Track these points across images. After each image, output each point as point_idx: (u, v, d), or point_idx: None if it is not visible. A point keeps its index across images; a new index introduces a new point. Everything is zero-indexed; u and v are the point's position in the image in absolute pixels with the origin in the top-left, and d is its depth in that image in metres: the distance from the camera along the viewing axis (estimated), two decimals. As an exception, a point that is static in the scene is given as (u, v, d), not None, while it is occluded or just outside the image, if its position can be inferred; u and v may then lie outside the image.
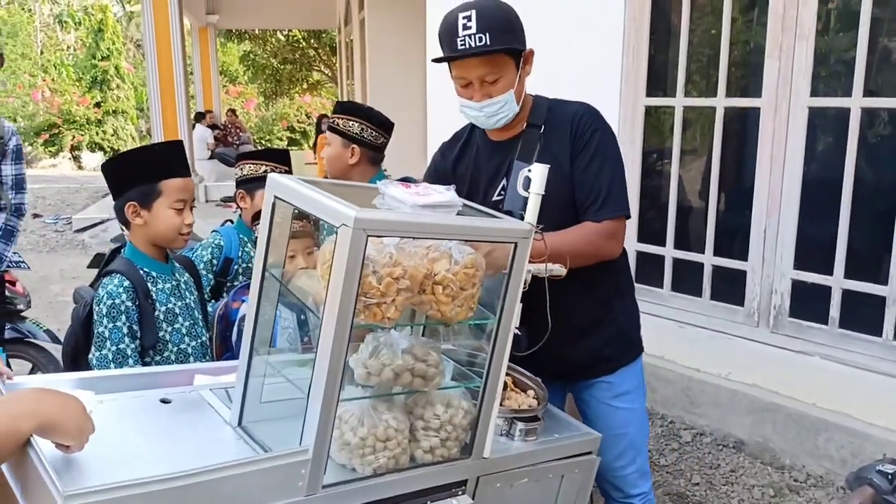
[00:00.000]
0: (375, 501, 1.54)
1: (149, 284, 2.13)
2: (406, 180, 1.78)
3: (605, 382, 2.27)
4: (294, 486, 1.40)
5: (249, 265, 2.85)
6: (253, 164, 2.94)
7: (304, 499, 1.42)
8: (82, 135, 20.42)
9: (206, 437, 1.56)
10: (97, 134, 20.57)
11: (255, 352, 1.64)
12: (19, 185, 3.33)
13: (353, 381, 1.58)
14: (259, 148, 17.80)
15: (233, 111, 18.34)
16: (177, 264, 2.29)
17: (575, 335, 2.17)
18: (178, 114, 10.66)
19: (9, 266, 3.46)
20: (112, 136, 20.87)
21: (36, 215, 11.54)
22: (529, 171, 1.68)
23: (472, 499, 1.72)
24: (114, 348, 2.02)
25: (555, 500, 1.91)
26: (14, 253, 3.46)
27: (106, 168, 2.16)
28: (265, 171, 2.86)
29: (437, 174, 2.25)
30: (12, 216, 3.31)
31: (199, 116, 15.01)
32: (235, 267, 2.86)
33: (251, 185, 2.90)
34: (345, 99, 14.05)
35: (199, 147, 13.29)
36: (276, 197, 1.58)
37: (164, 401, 1.66)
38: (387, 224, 1.43)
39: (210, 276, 2.78)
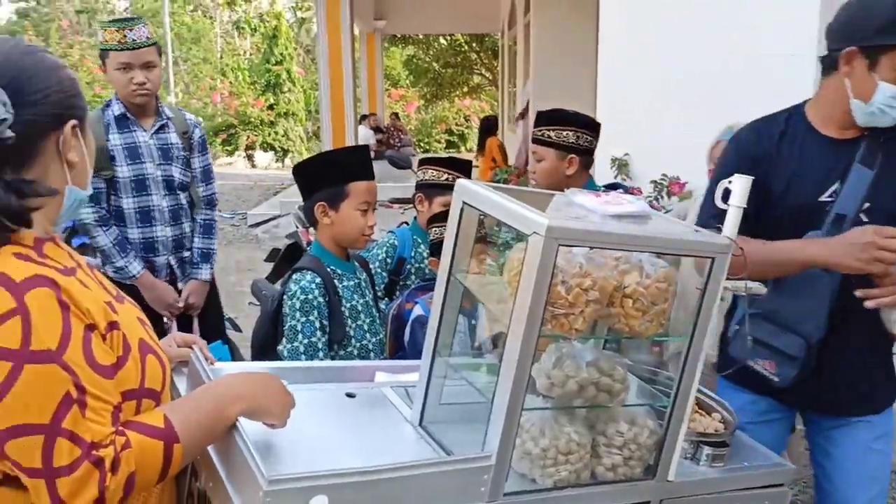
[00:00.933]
0: (554, 515, 1.51)
1: (335, 281, 2.22)
2: (613, 187, 1.74)
3: (867, 422, 2.07)
4: (476, 492, 1.40)
5: (421, 266, 2.91)
6: (436, 170, 2.99)
7: (486, 505, 1.41)
8: (256, 135, 21.84)
9: (389, 434, 1.59)
10: (269, 135, 21.90)
11: (437, 353, 1.66)
12: (207, 175, 3.27)
13: (535, 390, 1.56)
14: (419, 151, 18.30)
15: (395, 115, 18.97)
16: (356, 263, 2.37)
17: (856, 366, 2.01)
18: (346, 116, 11.13)
19: None
20: (283, 136, 22.14)
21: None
22: (730, 182, 1.58)
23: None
24: (305, 341, 2.12)
25: (740, 531, 1.79)
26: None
27: (298, 170, 2.28)
28: (446, 179, 2.91)
29: (748, 156, 2.00)
30: (207, 209, 3.27)
31: (362, 119, 15.66)
32: (408, 267, 2.93)
33: (431, 190, 2.95)
34: (506, 103, 14.09)
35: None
36: (464, 202, 1.59)
37: (349, 395, 1.71)
38: (578, 234, 1.39)
39: (384, 274, 2.87)
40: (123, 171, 2.98)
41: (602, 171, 4.14)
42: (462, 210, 1.60)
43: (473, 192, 1.57)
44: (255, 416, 1.33)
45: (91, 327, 1.17)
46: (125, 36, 2.93)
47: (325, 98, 11.06)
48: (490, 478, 1.41)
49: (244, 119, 21.89)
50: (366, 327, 2.27)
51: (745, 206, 1.56)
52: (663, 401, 1.64)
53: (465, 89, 24.65)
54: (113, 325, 1.22)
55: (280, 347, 2.14)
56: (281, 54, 22.98)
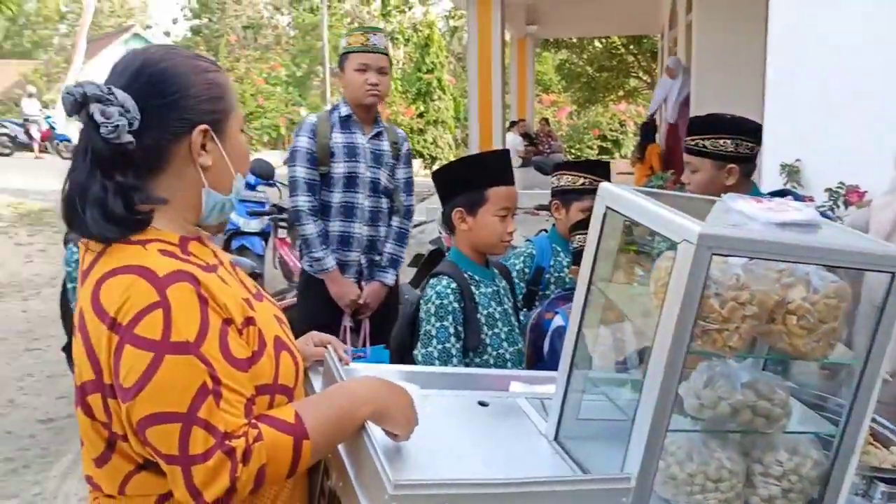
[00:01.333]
0: (701, 548, 1.39)
1: (472, 288, 2.19)
2: (781, 194, 1.59)
3: None
4: (614, 515, 1.31)
5: (560, 275, 2.81)
6: (571, 175, 2.86)
7: (624, 530, 1.31)
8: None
9: (522, 446, 1.53)
10: (419, 142, 22.41)
11: (575, 366, 1.57)
12: (409, 187, 3.47)
13: (683, 411, 1.44)
14: (570, 157, 18.02)
15: (545, 120, 18.81)
16: (495, 270, 2.32)
17: None
18: (494, 123, 11.16)
19: None
20: (431, 144, 22.58)
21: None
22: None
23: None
24: (440, 346, 2.10)
25: (920, 582, 1.57)
26: None
27: (437, 175, 2.26)
28: (583, 184, 2.78)
29: None
30: (404, 219, 3.46)
31: (511, 125, 15.64)
32: (547, 276, 2.83)
33: (568, 196, 2.84)
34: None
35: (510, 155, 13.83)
36: (607, 207, 1.50)
37: (482, 403, 1.67)
38: (734, 242, 1.27)
39: (522, 284, 2.79)
40: (338, 167, 3.24)
41: (770, 178, 3.87)
42: (605, 216, 1.51)
43: (618, 196, 1.47)
44: (382, 422, 1.31)
45: (228, 322, 1.19)
46: (368, 39, 3.22)
47: (473, 104, 11.14)
48: (629, 501, 1.31)
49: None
50: (503, 336, 2.21)
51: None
52: (831, 429, 1.46)
53: (621, 93, 24.07)
54: (249, 321, 1.24)
55: (415, 352, 2.13)
56: (432, 63, 23.46)
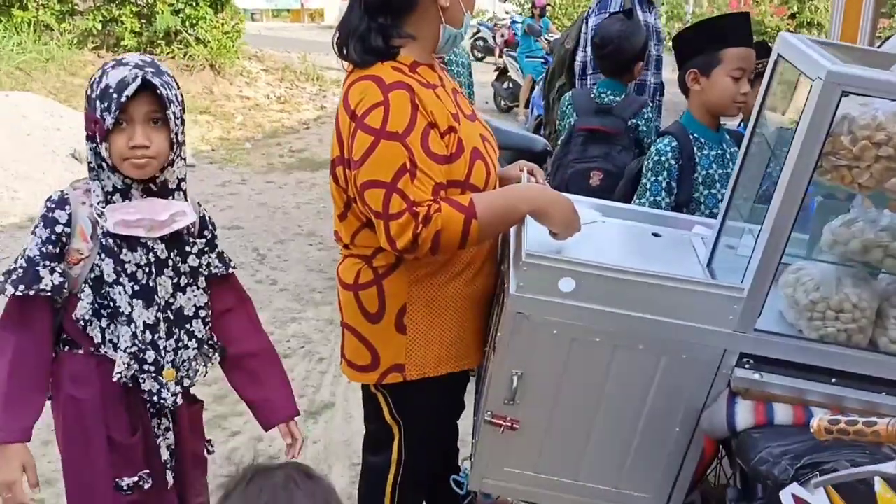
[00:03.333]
0: (817, 368, 1.53)
1: (695, 148, 2.34)
2: None
3: None
4: (725, 318, 1.51)
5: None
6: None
7: (733, 333, 1.52)
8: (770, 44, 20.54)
9: (671, 264, 1.70)
10: (781, 47, 20.41)
11: (737, 208, 1.74)
12: None
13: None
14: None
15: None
16: (726, 135, 2.42)
17: None
18: (862, 24, 9.91)
19: None
20: (796, 49, 20.43)
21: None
22: None
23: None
24: (651, 199, 2.31)
25: None
26: None
27: (677, 39, 2.40)
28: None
29: None
30: None
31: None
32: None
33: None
34: None
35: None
36: (779, 55, 1.61)
37: (655, 234, 1.91)
38: (866, 82, 1.34)
39: None
40: None
41: None
42: (777, 62, 1.62)
43: (787, 42, 1.58)
44: (540, 218, 1.65)
45: (432, 125, 1.62)
46: None
47: (839, 2, 9.98)
48: (740, 309, 1.51)
49: (759, 29, 20.75)
50: (720, 197, 2.33)
51: None
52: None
53: None
54: (451, 129, 1.66)
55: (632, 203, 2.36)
56: (810, -42, 20.85)
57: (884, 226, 1.49)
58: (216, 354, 1.75)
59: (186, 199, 1.65)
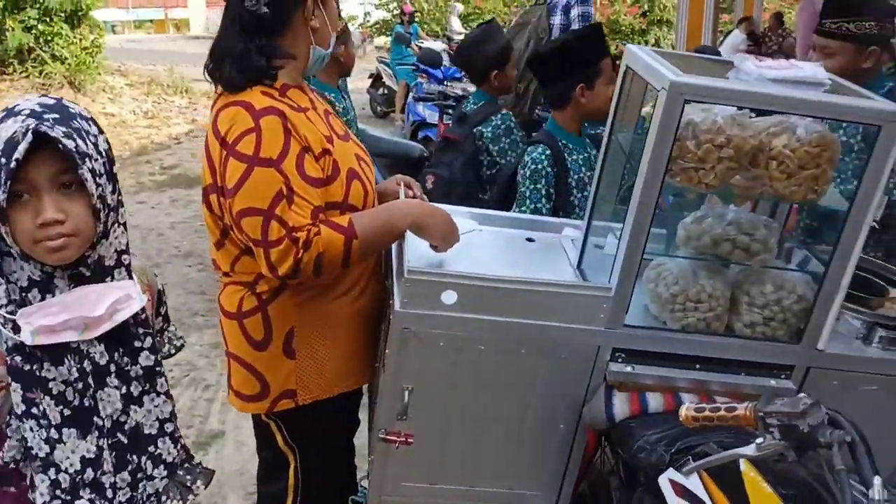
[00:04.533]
0: (682, 356, 1.65)
1: (565, 155, 2.46)
2: None
3: None
4: (596, 317, 1.61)
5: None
6: None
7: (605, 330, 1.62)
8: (625, 45, 21.56)
9: (545, 269, 1.82)
10: (639, 43, 21.50)
11: (601, 209, 1.85)
12: None
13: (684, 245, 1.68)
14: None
15: (778, 15, 17.22)
16: (587, 140, 2.56)
17: None
18: (705, 20, 10.57)
19: None
20: (653, 45, 21.58)
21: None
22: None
23: (799, 389, 1.68)
24: (532, 206, 2.41)
25: (913, 421, 1.71)
26: None
27: (540, 59, 2.50)
28: None
29: None
30: None
31: (741, 22, 14.56)
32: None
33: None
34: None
35: (727, 52, 13.04)
36: (627, 66, 1.72)
37: (529, 239, 1.99)
38: (705, 90, 1.46)
39: None
40: None
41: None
42: (625, 74, 1.74)
43: (633, 54, 1.69)
44: (420, 232, 1.69)
45: (306, 149, 1.63)
46: None
47: (683, 3, 10.63)
48: (609, 307, 1.61)
49: (615, 27, 21.74)
50: (590, 198, 2.48)
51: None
52: (817, 269, 1.63)
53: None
54: (326, 152, 1.67)
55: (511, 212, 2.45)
56: (660, -43, 22.06)
57: (730, 220, 1.63)
58: (200, 482, 1.40)
59: (131, 277, 1.28)
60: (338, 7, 1.80)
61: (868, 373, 1.67)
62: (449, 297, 1.57)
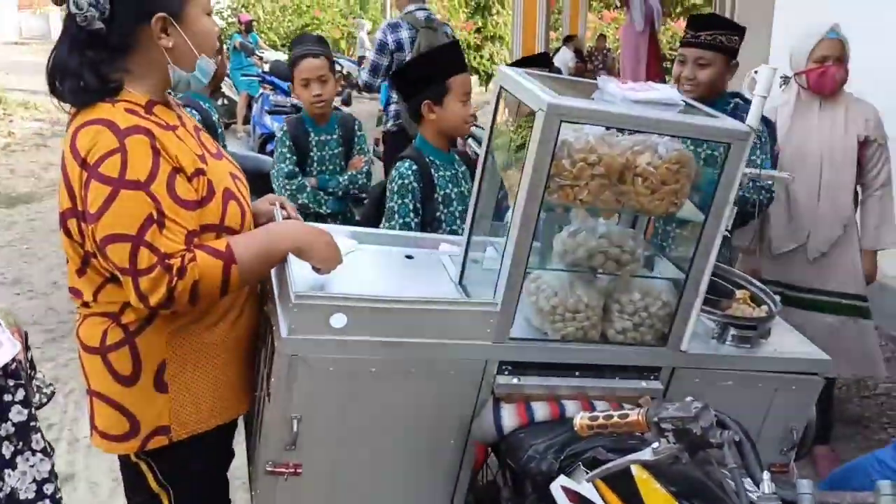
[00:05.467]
0: (563, 365, 1.71)
1: (432, 171, 2.48)
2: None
3: None
4: (483, 332, 1.64)
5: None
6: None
7: (491, 345, 1.65)
8: (463, 59, 22.18)
9: (429, 286, 1.84)
10: (475, 58, 22.18)
11: (477, 225, 1.89)
12: None
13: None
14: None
15: (602, 37, 18.40)
16: (456, 156, 2.61)
17: None
18: (538, 38, 11.10)
19: None
20: (487, 60, 22.35)
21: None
22: (756, 72, 1.62)
23: (667, 388, 1.80)
24: (401, 220, 2.42)
25: (765, 412, 1.87)
26: None
27: (397, 76, 2.53)
28: None
29: None
30: None
31: (566, 40, 15.43)
32: None
33: None
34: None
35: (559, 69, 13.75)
36: (501, 87, 1.78)
37: (408, 256, 2.00)
38: (580, 112, 1.53)
39: None
40: None
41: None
42: (500, 94, 1.79)
43: (507, 76, 1.75)
44: (302, 255, 1.64)
45: (177, 170, 1.53)
46: None
47: (518, 19, 11.11)
48: (495, 322, 1.64)
49: (453, 43, 22.29)
50: (457, 214, 2.51)
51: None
52: (679, 276, 1.75)
53: (679, 10, 23.18)
54: (199, 172, 1.58)
55: (381, 227, 2.45)
56: (491, -25, 22.91)
57: (602, 234, 1.72)
58: None
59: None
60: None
61: (724, 369, 1.82)
62: (338, 320, 1.54)
